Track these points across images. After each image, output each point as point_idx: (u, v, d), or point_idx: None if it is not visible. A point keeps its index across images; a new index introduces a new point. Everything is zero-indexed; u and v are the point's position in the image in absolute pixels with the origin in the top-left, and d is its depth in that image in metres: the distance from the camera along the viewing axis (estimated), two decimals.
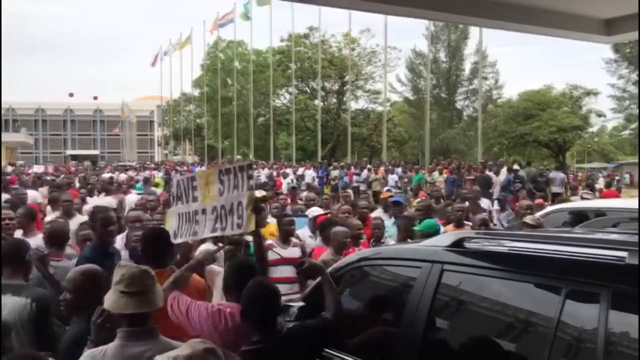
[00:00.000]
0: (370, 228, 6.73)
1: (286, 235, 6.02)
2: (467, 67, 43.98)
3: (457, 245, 3.15)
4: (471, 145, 41.30)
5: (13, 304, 3.56)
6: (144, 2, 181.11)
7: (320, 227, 6.52)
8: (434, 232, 5.68)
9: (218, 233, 4.11)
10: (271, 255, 5.78)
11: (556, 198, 12.95)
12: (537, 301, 2.68)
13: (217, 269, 4.46)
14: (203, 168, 30.56)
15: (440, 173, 19.62)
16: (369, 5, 5.71)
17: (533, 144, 41.73)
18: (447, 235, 3.73)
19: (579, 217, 6.45)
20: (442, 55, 44.21)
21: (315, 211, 7.50)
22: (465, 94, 44.96)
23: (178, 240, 4.33)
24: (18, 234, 6.31)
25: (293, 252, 5.87)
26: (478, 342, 2.83)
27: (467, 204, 8.52)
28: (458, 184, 17.09)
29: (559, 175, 18.52)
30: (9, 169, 33.71)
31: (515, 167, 18.40)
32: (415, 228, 6.26)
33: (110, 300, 2.84)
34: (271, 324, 3.11)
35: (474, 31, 36.60)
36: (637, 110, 34.30)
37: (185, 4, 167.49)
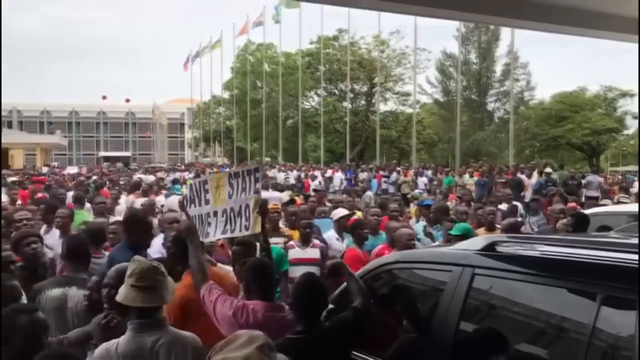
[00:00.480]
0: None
1: (304, 237, 6.13)
2: (498, 68, 43.40)
3: (489, 249, 3.10)
4: (502, 148, 40.75)
5: (78, 297, 3.94)
6: (176, 7, 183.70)
7: (352, 228, 6.53)
8: (470, 236, 5.63)
9: (228, 235, 4.31)
10: (291, 255, 5.89)
11: (592, 202, 12.66)
12: (572, 307, 2.62)
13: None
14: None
15: (471, 176, 19.41)
16: (399, 7, 5.70)
17: (566, 147, 40.97)
18: (479, 238, 3.69)
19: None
20: (472, 57, 43.68)
21: (339, 213, 7.38)
22: (496, 96, 44.35)
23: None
24: (55, 234, 6.48)
25: (313, 252, 5.99)
26: (510, 348, 2.78)
27: (500, 206, 8.41)
28: (489, 187, 16.88)
29: (596, 178, 18.12)
30: (44, 170, 34.57)
31: (548, 170, 18.09)
32: (451, 232, 6.20)
33: (122, 293, 2.98)
34: (315, 316, 3.26)
35: (505, 32, 36.18)
36: None
37: (217, 8, 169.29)
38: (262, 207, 4.09)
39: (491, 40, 42.62)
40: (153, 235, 5.48)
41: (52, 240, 6.16)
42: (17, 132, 64.57)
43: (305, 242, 6.11)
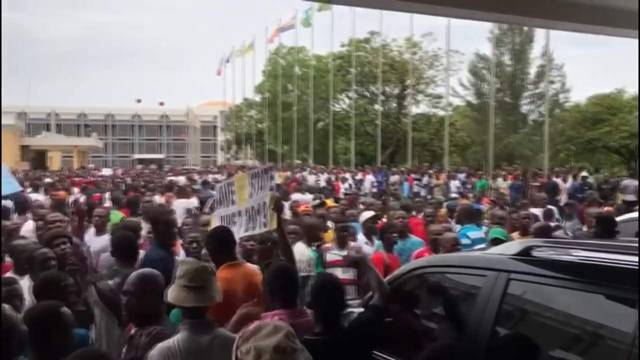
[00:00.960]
0: None
1: (341, 240, 6.03)
2: (533, 70, 42.67)
3: (525, 254, 3.05)
4: (536, 151, 39.97)
5: None
6: (210, 11, 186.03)
7: (381, 232, 6.47)
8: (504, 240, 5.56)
9: (249, 232, 4.50)
10: (328, 258, 5.87)
11: (625, 207, 12.33)
12: (611, 314, 2.56)
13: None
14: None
15: (505, 179, 19.13)
16: (432, 9, 5.66)
17: (602, 150, 40.01)
18: (514, 243, 3.62)
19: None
20: (506, 59, 43.07)
21: (366, 215, 7.26)
22: (531, 98, 43.60)
23: None
24: (91, 232, 6.65)
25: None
26: (546, 356, 2.72)
27: (534, 210, 8.27)
28: (523, 191, 16.62)
29: (633, 182, 17.66)
30: (80, 171, 35.45)
31: (584, 173, 17.71)
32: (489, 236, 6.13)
33: (173, 293, 3.02)
34: (334, 317, 3.25)
35: (539, 34, 35.55)
36: None
37: (250, 12, 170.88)
38: (277, 203, 4.20)
39: (525, 42, 41.95)
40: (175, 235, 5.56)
41: (88, 238, 6.34)
42: (55, 134, 66.24)
43: (342, 244, 6.01)
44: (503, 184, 18.34)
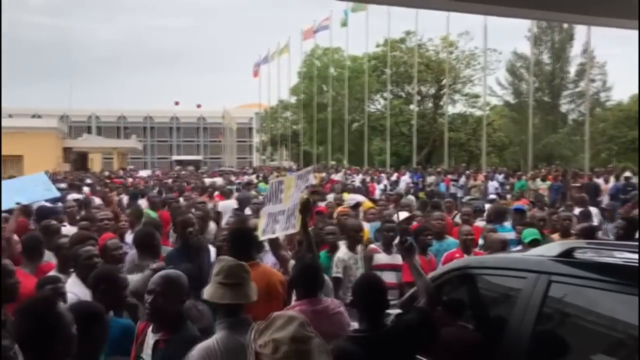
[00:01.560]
0: (480, 237, 6.57)
1: (387, 242, 5.95)
2: (573, 69, 41.70)
3: (567, 256, 2.98)
4: (576, 151, 39.05)
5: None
6: (246, 14, 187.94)
7: (415, 234, 6.39)
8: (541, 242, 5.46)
9: (283, 232, 4.72)
10: (376, 260, 5.87)
11: None
12: None
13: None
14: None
15: (544, 180, 18.74)
16: (469, 7, 5.56)
17: None
18: (555, 244, 3.56)
19: None
20: (545, 57, 42.21)
21: (401, 216, 7.08)
22: (571, 97, 42.61)
23: (263, 237, 4.86)
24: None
25: (397, 258, 5.71)
26: None
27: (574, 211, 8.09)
28: (563, 192, 16.25)
29: None
30: (120, 173, 36.26)
31: (628, 174, 17.20)
32: (524, 239, 6.01)
33: (209, 290, 3.05)
34: (376, 315, 3.27)
35: (580, 31, 34.75)
36: None
37: (286, 14, 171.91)
38: (304, 205, 4.42)
39: (565, 39, 41.02)
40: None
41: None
42: (96, 137, 67.85)
43: (387, 246, 5.93)
44: (542, 185, 17.97)
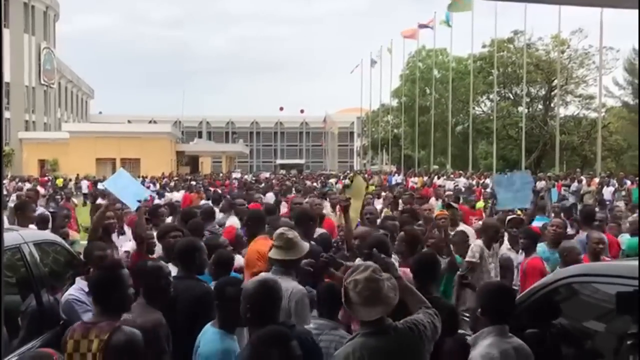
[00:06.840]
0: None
1: (513, 241, 6.54)
2: None
3: None
4: None
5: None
6: (349, 20, 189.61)
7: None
8: None
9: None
10: None
11: None
12: None
13: None
14: (399, 178, 30.98)
15: None
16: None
17: None
18: None
19: None
20: None
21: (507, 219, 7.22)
22: None
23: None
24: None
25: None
26: None
27: None
28: None
29: None
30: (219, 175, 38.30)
31: None
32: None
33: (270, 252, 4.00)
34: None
35: None
36: None
37: (388, 17, 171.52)
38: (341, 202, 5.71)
39: None
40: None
41: None
42: (206, 141, 71.24)
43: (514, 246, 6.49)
44: None
